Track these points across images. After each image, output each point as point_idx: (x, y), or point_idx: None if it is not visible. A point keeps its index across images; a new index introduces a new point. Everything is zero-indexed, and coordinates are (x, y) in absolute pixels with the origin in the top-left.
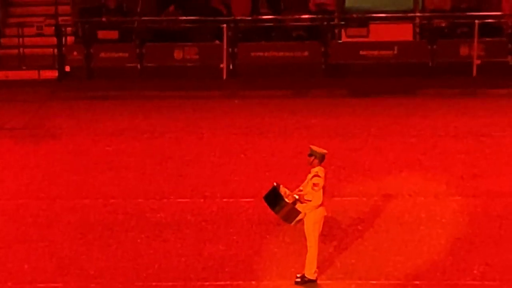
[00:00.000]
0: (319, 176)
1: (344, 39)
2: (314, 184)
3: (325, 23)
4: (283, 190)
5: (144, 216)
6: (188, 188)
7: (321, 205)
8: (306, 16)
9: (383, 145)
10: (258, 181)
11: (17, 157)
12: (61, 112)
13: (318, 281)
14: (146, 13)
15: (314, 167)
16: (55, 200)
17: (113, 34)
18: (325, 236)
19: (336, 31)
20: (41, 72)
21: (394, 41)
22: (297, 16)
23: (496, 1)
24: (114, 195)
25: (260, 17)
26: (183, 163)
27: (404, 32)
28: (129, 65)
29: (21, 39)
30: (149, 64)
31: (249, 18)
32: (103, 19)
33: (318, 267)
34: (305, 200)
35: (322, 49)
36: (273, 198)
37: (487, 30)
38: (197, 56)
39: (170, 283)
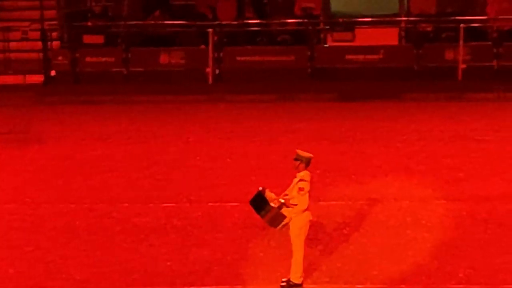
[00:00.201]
0: (305, 181)
1: (330, 43)
2: (300, 189)
3: (311, 27)
4: (268, 194)
5: (130, 221)
6: (174, 193)
7: (306, 209)
8: (292, 20)
9: (368, 149)
10: (244, 186)
11: (3, 162)
12: (47, 117)
13: (304, 286)
14: (132, 18)
15: (300, 171)
16: (41, 205)
17: (99, 39)
18: (310, 240)
19: (322, 35)
20: (27, 76)
21: (379, 45)
22: (282, 21)
23: (481, 5)
24: (100, 199)
25: (245, 21)
26: (169, 168)
27: (389, 36)
28: (115, 69)
29: (6, 43)
30: (135, 69)
31: (235, 22)
32: (89, 23)
33: (303, 271)
34: (291, 204)
35: (308, 54)
36: (259, 203)
37: (472, 34)
38: (183, 61)
39: None
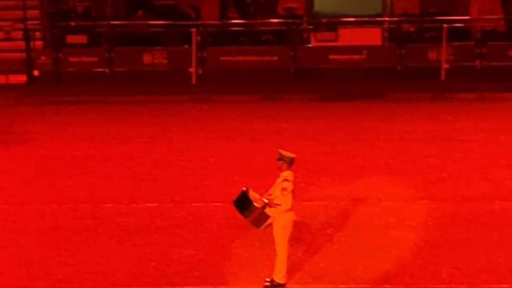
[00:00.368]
0: (288, 180)
1: (313, 43)
2: (283, 188)
3: (294, 27)
4: (252, 194)
5: (114, 221)
6: (158, 193)
7: (290, 209)
8: (275, 20)
9: (352, 149)
10: (228, 186)
11: None
12: (30, 117)
13: (287, 286)
14: (115, 18)
15: (283, 171)
16: (24, 205)
17: (82, 39)
18: (294, 240)
19: (305, 35)
20: (10, 76)
21: (363, 45)
22: (266, 21)
23: (464, 5)
24: (84, 200)
25: (229, 21)
26: (153, 168)
27: (372, 37)
28: (98, 69)
29: None
30: (118, 69)
31: (218, 22)
32: (72, 23)
33: (287, 272)
34: (275, 204)
35: (291, 54)
36: (243, 203)
37: (455, 34)
38: (166, 61)
39: None
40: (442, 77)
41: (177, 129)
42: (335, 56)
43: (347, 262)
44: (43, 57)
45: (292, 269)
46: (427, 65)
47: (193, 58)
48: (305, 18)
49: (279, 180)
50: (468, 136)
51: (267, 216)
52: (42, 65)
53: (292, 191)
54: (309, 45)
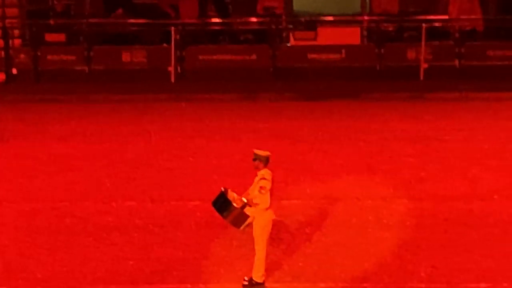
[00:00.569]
0: (265, 179)
1: (292, 42)
2: (261, 187)
3: (273, 26)
4: (231, 195)
5: (92, 220)
6: (136, 192)
7: (269, 208)
8: (254, 19)
9: (331, 148)
10: (207, 185)
11: None
12: (8, 115)
13: (266, 284)
14: (94, 16)
15: (260, 170)
16: (2, 204)
17: (61, 37)
18: (272, 239)
19: (284, 34)
20: None
21: (341, 45)
22: (245, 20)
23: (443, 5)
24: (62, 198)
25: (208, 20)
26: (131, 167)
27: (351, 36)
28: (77, 68)
29: None
30: (97, 67)
31: (197, 21)
32: (51, 21)
33: (265, 270)
34: (254, 203)
35: (270, 53)
36: (221, 204)
37: (434, 34)
38: (145, 59)
39: (118, 286)
40: (421, 77)
41: (155, 127)
42: (314, 55)
43: (326, 261)
44: (21, 55)
45: (270, 268)
46: (406, 64)
47: (172, 57)
48: (284, 17)
49: (256, 179)
50: (446, 136)
51: (247, 216)
52: (21, 64)
53: (271, 190)
54: (288, 44)
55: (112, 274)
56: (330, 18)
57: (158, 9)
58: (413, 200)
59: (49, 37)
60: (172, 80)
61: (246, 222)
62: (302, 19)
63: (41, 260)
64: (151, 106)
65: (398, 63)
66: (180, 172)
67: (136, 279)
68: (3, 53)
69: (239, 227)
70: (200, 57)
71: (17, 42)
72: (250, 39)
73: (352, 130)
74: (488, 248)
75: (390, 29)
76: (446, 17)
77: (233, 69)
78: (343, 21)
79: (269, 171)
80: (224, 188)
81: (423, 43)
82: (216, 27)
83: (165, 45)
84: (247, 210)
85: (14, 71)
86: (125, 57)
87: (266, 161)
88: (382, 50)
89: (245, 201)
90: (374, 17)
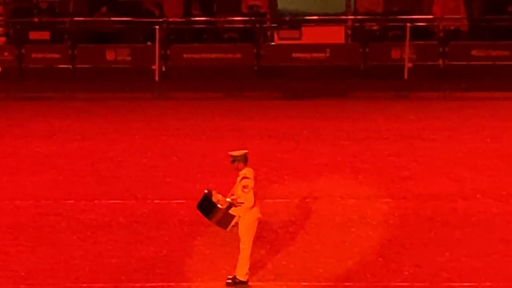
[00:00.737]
0: (247, 178)
1: (276, 41)
2: (244, 186)
3: (258, 25)
4: (215, 196)
5: (75, 218)
6: (120, 190)
7: (253, 206)
8: (239, 18)
9: (315, 147)
10: (191, 183)
11: None
12: None
13: (249, 283)
14: (78, 14)
15: (241, 169)
16: None
17: (45, 35)
18: (256, 238)
19: (269, 33)
20: None
21: (326, 44)
22: (229, 18)
23: (428, 4)
24: (46, 196)
25: (192, 19)
26: (115, 165)
27: (336, 35)
28: (61, 66)
29: None
30: (81, 65)
31: (182, 19)
32: (35, 19)
33: (249, 269)
34: (238, 203)
35: (255, 51)
36: (206, 206)
37: (418, 33)
38: (129, 58)
39: (101, 285)
40: (405, 76)
41: (139, 126)
42: (298, 54)
43: (309, 259)
44: (5, 53)
45: (254, 267)
46: (390, 63)
47: (156, 55)
48: (268, 16)
49: (238, 179)
50: (430, 135)
51: (232, 216)
52: (5, 61)
53: (254, 188)
54: (273, 43)
55: (96, 272)
56: (315, 17)
57: (142, 8)
58: (396, 199)
59: (34, 35)
60: (156, 78)
61: (232, 222)
62: (287, 18)
63: (24, 258)
64: (135, 105)
65: (383, 63)
66: (164, 170)
67: (119, 277)
68: None
69: (225, 228)
70: (185, 55)
71: (1, 40)
72: (234, 38)
73: (336, 129)
74: (471, 247)
75: (375, 28)
76: (430, 16)
77: (218, 68)
78: (327, 20)
79: (250, 169)
80: (208, 190)
81: (407, 42)
82: (201, 26)
83: (149, 43)
84: (232, 211)
85: None
86: (109, 55)
87: (244, 160)
88: (367, 49)
89: (230, 201)
90: (359, 17)
